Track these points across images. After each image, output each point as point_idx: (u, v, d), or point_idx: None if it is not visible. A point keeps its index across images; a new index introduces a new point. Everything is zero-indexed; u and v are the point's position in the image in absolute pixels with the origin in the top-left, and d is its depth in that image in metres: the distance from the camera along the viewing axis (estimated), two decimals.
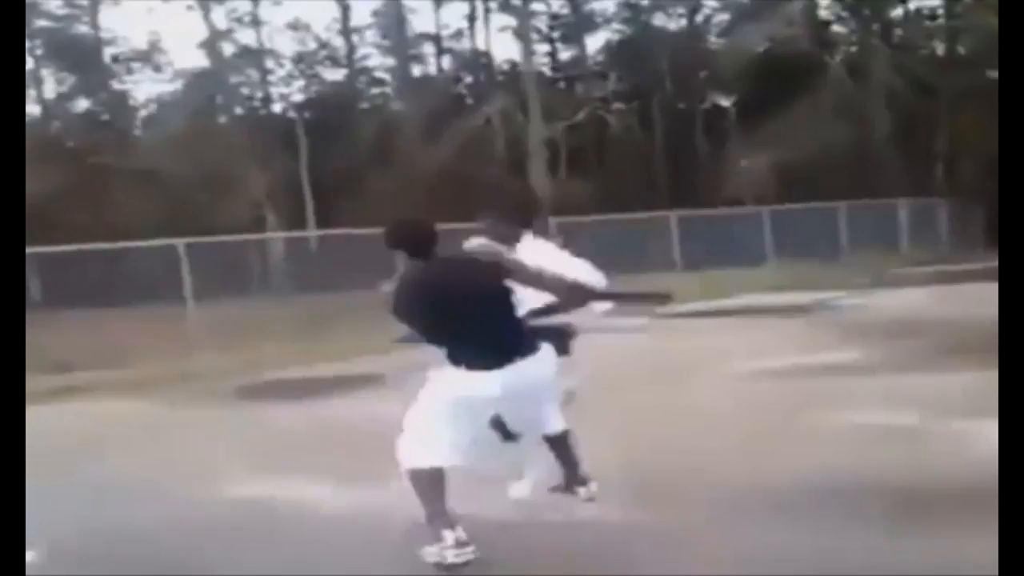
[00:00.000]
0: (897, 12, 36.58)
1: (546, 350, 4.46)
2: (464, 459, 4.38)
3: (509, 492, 5.12)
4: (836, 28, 37.24)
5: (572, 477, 4.91)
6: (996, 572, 2.85)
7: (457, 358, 4.32)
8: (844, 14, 36.83)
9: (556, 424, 4.77)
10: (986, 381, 4.86)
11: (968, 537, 3.96)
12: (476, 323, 4.30)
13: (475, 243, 4.68)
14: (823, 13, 36.87)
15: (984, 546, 3.28)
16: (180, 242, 13.70)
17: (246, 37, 37.23)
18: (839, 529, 4.38)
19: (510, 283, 4.43)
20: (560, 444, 4.86)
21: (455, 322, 4.31)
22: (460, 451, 4.35)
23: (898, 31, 36.58)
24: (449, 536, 4.25)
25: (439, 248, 4.44)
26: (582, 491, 4.88)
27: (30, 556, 4.95)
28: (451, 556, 4.23)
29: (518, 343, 4.36)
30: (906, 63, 32.02)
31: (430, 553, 4.28)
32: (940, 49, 35.09)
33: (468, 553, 4.24)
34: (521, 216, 5.21)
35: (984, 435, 5.19)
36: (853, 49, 34.80)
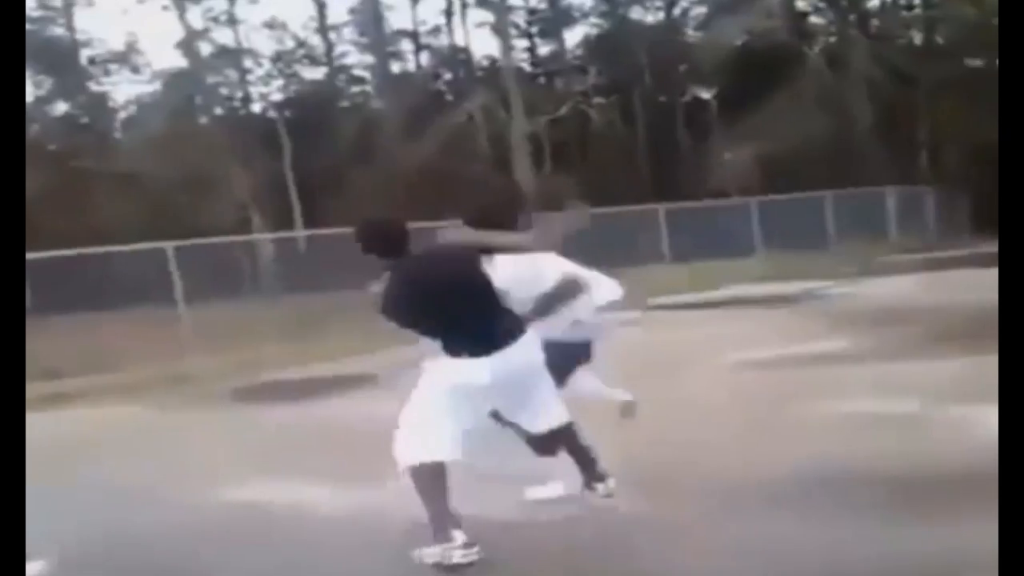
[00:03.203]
0: (874, 2, 36.82)
1: (530, 335, 4.43)
2: (463, 453, 4.32)
3: (526, 493, 5.08)
4: (814, 19, 37.42)
5: (589, 473, 4.84)
6: (996, 559, 2.83)
7: (450, 348, 4.31)
8: (821, 5, 37.01)
9: (557, 417, 4.66)
10: (978, 367, 4.86)
11: (967, 524, 3.97)
12: (461, 313, 4.31)
13: (450, 233, 4.64)
14: (800, 4, 37.06)
15: (984, 532, 3.28)
16: (169, 245, 13.62)
17: (223, 36, 37.13)
18: (836, 520, 4.39)
19: (489, 271, 4.46)
20: (567, 438, 4.75)
21: (443, 314, 4.31)
22: (459, 444, 4.31)
23: (875, 21, 36.79)
24: (458, 536, 4.20)
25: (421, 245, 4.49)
26: (600, 487, 4.82)
27: (33, 566, 4.92)
28: (458, 556, 4.17)
29: (502, 331, 4.34)
30: (884, 53, 32.21)
31: (430, 554, 4.22)
32: (918, 39, 35.30)
33: (474, 554, 4.19)
34: (505, 215, 5.18)
35: (981, 421, 5.23)
36: (832, 40, 34.95)
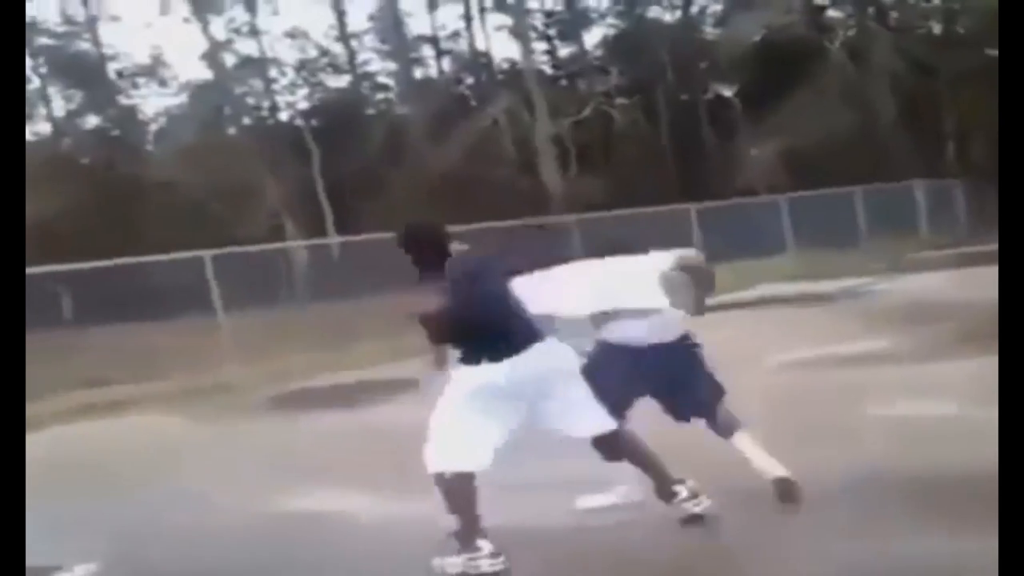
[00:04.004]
0: None
1: (553, 342, 4.46)
2: (491, 461, 4.31)
3: (578, 502, 5.05)
4: (832, 13, 37.29)
5: (659, 481, 4.70)
6: None
7: (469, 355, 4.36)
8: None
9: (600, 423, 4.58)
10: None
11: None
12: (483, 321, 4.35)
13: (457, 247, 4.62)
14: None
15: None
16: (206, 254, 13.77)
17: (247, 47, 37.36)
18: (881, 522, 4.37)
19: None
20: (616, 445, 4.67)
21: (471, 323, 4.35)
22: (488, 454, 4.31)
23: (894, 13, 36.66)
24: (485, 545, 4.21)
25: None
26: (681, 491, 4.66)
27: (84, 570, 5.07)
28: (485, 566, 4.16)
29: (518, 337, 4.38)
30: (905, 45, 32.10)
31: (452, 564, 4.23)
32: (937, 29, 35.15)
33: (501, 563, 4.19)
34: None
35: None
36: (851, 33, 34.83)
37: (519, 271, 4.61)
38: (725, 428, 4.93)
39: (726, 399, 5.01)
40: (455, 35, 39.57)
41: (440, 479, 4.30)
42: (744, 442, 4.88)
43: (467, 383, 4.35)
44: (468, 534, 4.26)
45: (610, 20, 39.89)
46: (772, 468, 4.79)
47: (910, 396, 6.91)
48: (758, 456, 4.85)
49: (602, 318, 4.81)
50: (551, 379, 4.41)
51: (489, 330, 4.36)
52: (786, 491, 4.72)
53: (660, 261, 4.82)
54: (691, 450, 4.98)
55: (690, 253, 4.88)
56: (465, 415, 4.31)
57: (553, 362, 4.43)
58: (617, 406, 4.73)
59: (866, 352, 9.02)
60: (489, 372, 4.30)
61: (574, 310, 4.80)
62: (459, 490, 4.27)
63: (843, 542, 4.25)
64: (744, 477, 4.90)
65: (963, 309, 10.98)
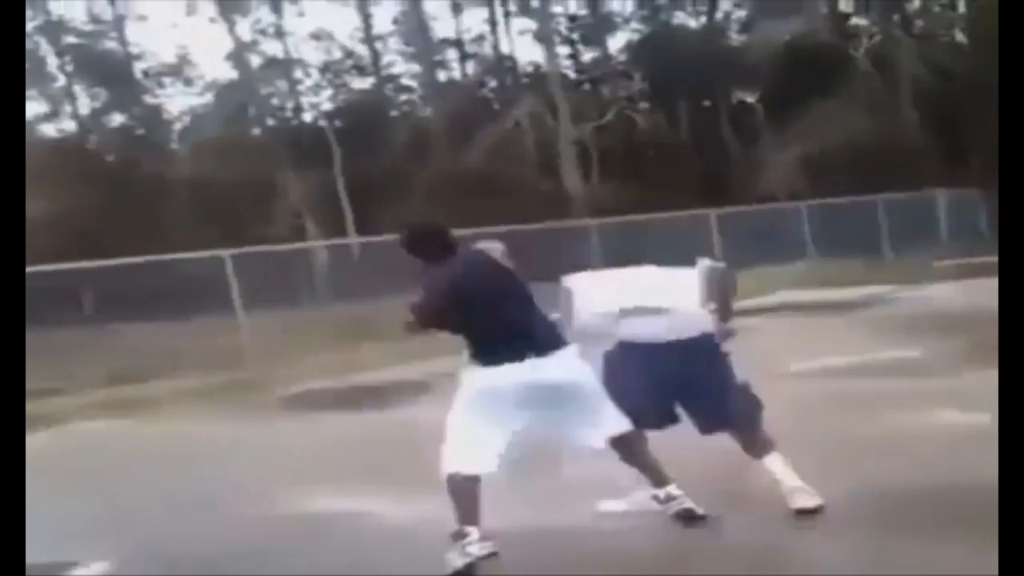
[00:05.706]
0: (915, 3, 36.51)
1: (568, 351, 4.47)
2: (496, 466, 4.38)
3: (600, 505, 5.07)
4: (857, 20, 37.14)
5: (653, 479, 4.78)
6: None
7: (472, 356, 4.43)
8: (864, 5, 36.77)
9: (614, 428, 4.62)
10: None
11: None
12: (493, 320, 4.38)
13: (484, 244, 4.65)
14: (842, 5, 36.86)
15: None
16: (227, 253, 13.82)
17: (272, 48, 37.68)
18: (905, 536, 4.33)
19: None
20: (634, 446, 4.72)
21: (477, 319, 4.39)
22: (494, 458, 4.37)
23: (919, 21, 36.47)
24: (473, 531, 4.28)
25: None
26: (661, 493, 4.74)
27: (98, 568, 5.08)
28: (475, 549, 4.24)
29: (534, 342, 4.38)
30: (929, 53, 31.93)
31: (451, 557, 4.28)
32: (961, 37, 34.94)
33: (489, 546, 4.26)
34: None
35: None
36: (876, 39, 34.65)
37: (533, 275, 4.63)
38: (757, 447, 4.79)
39: (763, 415, 4.85)
40: (479, 38, 39.76)
41: (451, 479, 4.38)
42: (776, 464, 4.75)
43: (471, 386, 4.42)
44: (462, 526, 4.34)
45: (634, 25, 39.97)
46: (803, 498, 4.66)
47: (939, 405, 6.86)
48: (790, 481, 4.71)
49: (620, 317, 4.76)
50: (563, 389, 4.42)
51: (489, 332, 4.40)
52: (804, 513, 4.63)
53: (685, 272, 4.79)
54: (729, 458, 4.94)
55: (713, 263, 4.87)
56: (468, 418, 4.39)
57: (563, 373, 4.43)
58: (644, 412, 4.69)
59: (892, 360, 8.97)
60: (489, 376, 4.35)
61: (598, 308, 4.78)
62: (465, 491, 4.35)
63: (866, 554, 4.22)
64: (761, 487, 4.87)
65: (987, 319, 10.84)
